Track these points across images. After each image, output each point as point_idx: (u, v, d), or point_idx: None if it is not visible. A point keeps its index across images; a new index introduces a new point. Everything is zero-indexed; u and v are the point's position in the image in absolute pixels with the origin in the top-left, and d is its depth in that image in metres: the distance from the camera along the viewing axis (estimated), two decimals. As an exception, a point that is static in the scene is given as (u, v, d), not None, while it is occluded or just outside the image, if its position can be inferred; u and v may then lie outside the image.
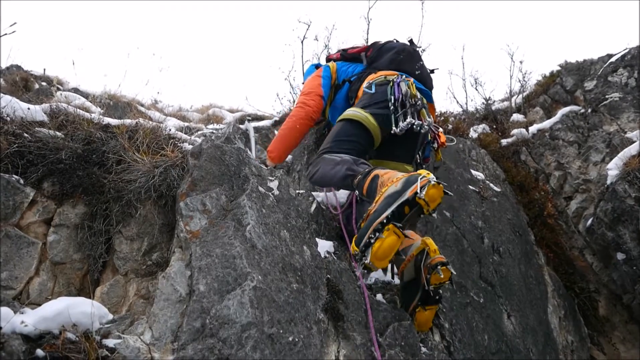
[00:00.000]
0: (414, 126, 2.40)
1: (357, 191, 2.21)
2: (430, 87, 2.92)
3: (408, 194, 1.81)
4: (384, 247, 1.79)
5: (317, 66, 3.30)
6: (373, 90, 2.62)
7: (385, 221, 1.80)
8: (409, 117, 2.40)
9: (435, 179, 1.83)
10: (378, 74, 2.76)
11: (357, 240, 1.87)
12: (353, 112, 2.56)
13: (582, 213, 5.43)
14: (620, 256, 4.44)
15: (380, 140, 2.59)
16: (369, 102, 2.60)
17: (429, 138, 2.73)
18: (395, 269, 2.51)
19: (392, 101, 2.47)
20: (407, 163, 2.71)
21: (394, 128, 2.42)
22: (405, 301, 2.32)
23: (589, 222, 4.97)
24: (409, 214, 1.83)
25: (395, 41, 3.12)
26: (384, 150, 2.68)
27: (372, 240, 1.80)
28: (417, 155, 2.79)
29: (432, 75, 3.04)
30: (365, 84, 2.76)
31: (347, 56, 3.19)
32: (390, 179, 1.95)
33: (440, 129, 2.75)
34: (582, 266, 5.30)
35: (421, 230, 3.27)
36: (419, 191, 1.78)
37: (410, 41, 3.10)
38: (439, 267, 2.10)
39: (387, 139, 2.59)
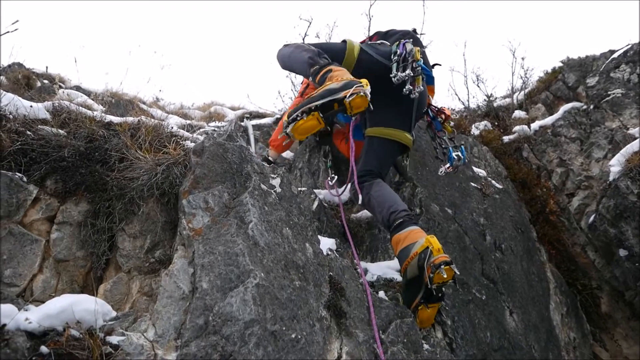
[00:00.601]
0: (407, 85, 2.48)
1: (310, 78, 2.45)
2: (430, 68, 3.03)
3: (341, 94, 2.09)
4: (305, 126, 2.13)
5: None
6: (373, 46, 2.80)
7: (313, 108, 2.12)
8: (408, 69, 2.50)
9: (366, 92, 2.09)
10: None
11: (289, 113, 2.19)
12: (353, 40, 2.75)
13: (585, 210, 5.41)
14: (622, 253, 4.43)
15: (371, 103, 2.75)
16: (365, 45, 2.79)
17: (432, 114, 2.95)
18: (399, 267, 2.52)
19: (397, 54, 2.61)
20: (406, 130, 2.83)
21: (393, 78, 2.52)
22: (407, 299, 2.33)
23: (591, 218, 4.96)
24: (336, 110, 2.14)
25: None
26: (379, 118, 2.79)
27: (298, 118, 2.13)
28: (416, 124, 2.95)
29: (433, 69, 3.13)
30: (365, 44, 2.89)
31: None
32: (338, 76, 2.22)
33: (445, 107, 2.96)
34: (584, 263, 5.30)
35: (423, 228, 3.27)
36: (347, 96, 2.06)
37: (414, 30, 3.21)
38: (442, 266, 2.11)
39: (381, 107, 2.59)
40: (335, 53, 2.64)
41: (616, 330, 4.93)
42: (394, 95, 2.60)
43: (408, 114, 2.82)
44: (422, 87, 2.55)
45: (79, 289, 1.99)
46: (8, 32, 2.24)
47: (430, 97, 3.14)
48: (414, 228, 2.37)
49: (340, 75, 2.23)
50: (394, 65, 2.56)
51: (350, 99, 2.07)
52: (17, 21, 2.27)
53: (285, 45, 2.73)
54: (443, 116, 3.00)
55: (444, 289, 2.29)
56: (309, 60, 2.44)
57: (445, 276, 2.12)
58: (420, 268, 2.21)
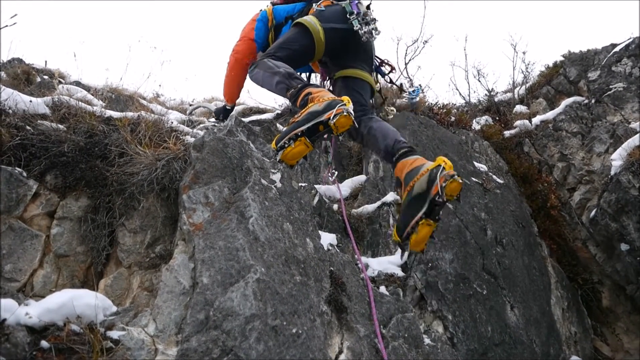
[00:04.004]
0: (373, 33, 2.74)
1: (290, 101, 2.47)
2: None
3: (325, 116, 2.10)
4: (293, 152, 2.13)
5: None
6: (323, 8, 2.87)
7: (300, 134, 2.12)
8: (371, 24, 2.74)
9: (349, 110, 2.11)
10: (325, 1, 2.99)
11: (277, 140, 2.20)
12: (310, 19, 2.79)
13: (586, 204, 5.40)
14: (624, 247, 4.43)
15: (332, 57, 2.93)
16: (321, 17, 2.83)
17: (377, 63, 3.13)
18: (400, 262, 2.52)
19: (355, 14, 2.76)
20: (367, 72, 3.02)
21: (359, 31, 2.71)
22: (407, 218, 2.28)
23: (593, 213, 4.95)
24: (322, 132, 2.15)
25: None
26: (345, 62, 2.96)
27: (286, 145, 2.13)
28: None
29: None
30: (314, 6, 2.96)
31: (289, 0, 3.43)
32: (319, 97, 2.24)
33: (388, 60, 3.21)
34: (585, 257, 5.29)
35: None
36: (331, 117, 2.08)
37: None
38: (455, 176, 2.13)
39: (342, 56, 2.88)
40: (304, 52, 2.77)
41: (617, 325, 4.93)
42: (357, 46, 2.84)
43: (370, 59, 3.05)
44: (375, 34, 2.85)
45: (79, 284, 1.99)
46: (7, 26, 2.22)
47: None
48: (421, 157, 2.41)
49: (321, 95, 2.25)
50: (355, 22, 2.74)
51: (334, 120, 2.08)
52: (16, 15, 2.26)
53: (252, 68, 2.73)
54: (388, 67, 3.19)
55: (441, 213, 2.28)
56: (281, 85, 2.48)
57: (458, 184, 2.12)
58: (430, 182, 2.19)
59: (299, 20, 2.80)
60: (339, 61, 2.93)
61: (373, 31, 2.78)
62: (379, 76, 3.20)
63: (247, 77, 2.91)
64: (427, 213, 2.20)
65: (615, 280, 4.97)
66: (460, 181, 2.09)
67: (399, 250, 3.12)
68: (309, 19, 2.77)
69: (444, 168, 2.15)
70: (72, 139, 2.18)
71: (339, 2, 2.90)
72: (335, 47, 2.73)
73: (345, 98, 2.21)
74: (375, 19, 2.88)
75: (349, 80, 2.95)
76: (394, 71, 3.19)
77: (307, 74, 3.41)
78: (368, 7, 3.10)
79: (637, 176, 4.36)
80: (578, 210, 5.48)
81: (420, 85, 3.37)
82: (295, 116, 2.25)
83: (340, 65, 2.98)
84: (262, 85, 2.70)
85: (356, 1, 2.85)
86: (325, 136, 2.32)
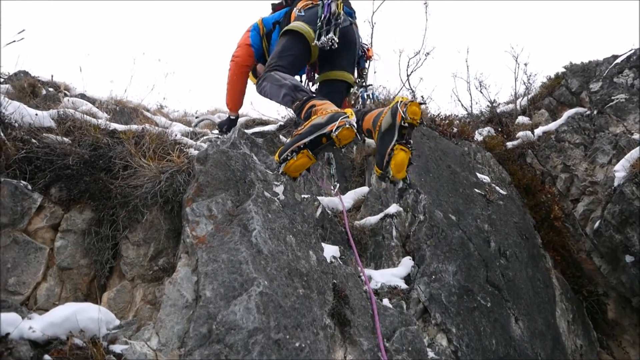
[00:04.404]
0: (332, 42, 2.81)
1: (295, 113, 2.57)
2: (352, 9, 3.30)
3: (327, 128, 2.14)
4: (296, 164, 2.17)
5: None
6: (303, 13, 3.02)
7: (302, 146, 2.16)
8: (330, 33, 2.80)
9: (352, 123, 2.15)
10: (302, 3, 3.13)
11: (280, 152, 2.23)
12: (298, 24, 2.93)
13: (590, 215, 5.38)
14: (628, 259, 4.40)
15: (321, 55, 3.05)
16: (304, 20, 2.97)
17: (361, 53, 3.24)
18: (403, 274, 2.51)
19: (322, 19, 2.86)
20: (348, 71, 3.18)
21: (315, 41, 2.83)
22: (383, 148, 2.35)
23: (597, 224, 4.93)
24: (324, 144, 2.20)
25: None
26: (329, 63, 3.13)
27: (289, 158, 2.17)
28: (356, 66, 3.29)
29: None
30: (295, 11, 3.11)
31: (274, 10, 3.62)
32: (322, 110, 2.29)
33: (369, 47, 3.34)
34: (590, 269, 5.25)
35: (427, 234, 3.26)
36: (334, 130, 2.11)
37: None
38: (416, 100, 2.24)
39: (329, 54, 2.99)
40: (303, 54, 2.94)
41: (623, 337, 4.87)
42: (340, 44, 2.92)
43: (353, 57, 3.20)
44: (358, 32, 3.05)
45: (82, 297, 1.99)
46: (14, 41, 2.26)
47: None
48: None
49: (324, 108, 2.30)
50: (316, 33, 2.85)
51: (336, 132, 2.11)
52: (23, 30, 2.29)
53: (260, 82, 2.85)
54: (366, 56, 3.31)
55: (412, 141, 2.35)
56: (287, 97, 2.57)
57: (418, 110, 2.20)
58: (393, 114, 2.26)
59: (288, 28, 2.95)
60: (326, 59, 3.08)
61: (332, 41, 2.84)
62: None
63: (256, 91, 3.01)
64: (398, 139, 2.28)
65: (620, 292, 4.92)
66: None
67: (402, 262, 3.12)
68: (297, 25, 2.92)
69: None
70: (77, 152, 2.19)
71: (317, 4, 3.02)
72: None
73: (349, 110, 2.25)
74: (351, 13, 3.07)
75: (329, 84, 3.12)
76: (372, 59, 3.34)
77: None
78: (347, 2, 3.26)
79: (640, 187, 4.35)
80: (582, 222, 5.45)
81: (372, 91, 3.50)
82: (298, 129, 2.29)
83: (327, 63, 3.14)
84: (270, 97, 2.82)
85: (329, 1, 2.94)
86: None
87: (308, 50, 2.96)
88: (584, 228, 5.41)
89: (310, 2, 3.11)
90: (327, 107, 2.32)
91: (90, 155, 2.23)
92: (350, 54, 3.17)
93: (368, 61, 3.32)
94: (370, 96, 3.33)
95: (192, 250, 1.76)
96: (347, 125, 2.14)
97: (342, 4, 2.92)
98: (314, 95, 2.61)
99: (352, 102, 3.42)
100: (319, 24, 2.87)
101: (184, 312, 1.59)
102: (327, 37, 2.80)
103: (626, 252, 4.42)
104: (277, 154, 2.29)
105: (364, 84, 3.37)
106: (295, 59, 2.93)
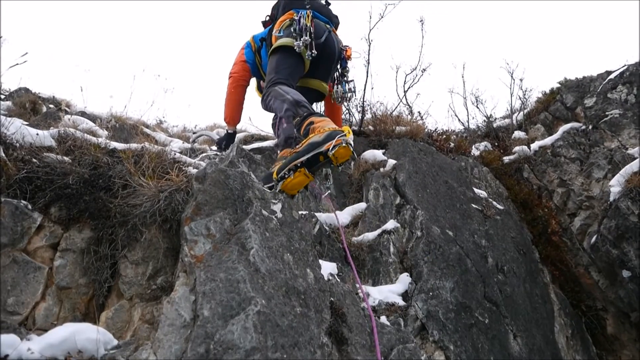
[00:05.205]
0: (297, 47, 3.03)
1: (294, 129, 2.63)
2: (328, 15, 3.51)
3: (324, 147, 2.18)
4: (294, 182, 2.23)
5: None
6: (282, 34, 3.23)
7: (299, 164, 2.20)
8: (304, 36, 3.02)
9: (348, 141, 2.18)
10: (281, 20, 3.34)
11: (278, 170, 2.26)
12: (283, 40, 3.14)
13: (587, 230, 5.40)
14: (625, 274, 4.41)
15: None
16: (286, 34, 3.19)
17: (342, 55, 3.46)
18: (401, 291, 2.52)
19: (297, 31, 3.08)
20: (324, 80, 3.43)
21: (295, 48, 3.03)
22: (291, 159, 2.37)
23: (593, 239, 4.95)
24: (322, 162, 2.23)
25: None
26: (309, 71, 3.32)
27: (286, 176, 2.23)
28: (336, 73, 3.55)
29: (330, 7, 3.65)
30: (275, 32, 3.33)
31: (264, 26, 3.83)
32: (320, 128, 2.32)
33: (348, 47, 3.54)
34: (588, 284, 5.26)
35: (424, 251, 3.28)
36: (331, 148, 2.15)
37: None
38: (351, 145, 2.25)
39: (310, 62, 3.21)
40: (297, 65, 3.12)
41: (623, 353, 4.85)
42: (321, 56, 3.16)
43: (329, 66, 3.40)
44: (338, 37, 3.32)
45: (80, 316, 1.99)
46: (17, 64, 2.30)
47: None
48: (329, 120, 2.63)
49: (322, 126, 2.34)
50: (294, 41, 3.04)
51: (333, 151, 2.15)
52: (27, 53, 2.34)
53: (265, 97, 2.99)
54: (346, 56, 3.51)
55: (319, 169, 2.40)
56: (289, 112, 2.66)
57: (347, 151, 2.22)
58: (327, 138, 2.25)
59: (274, 47, 3.17)
60: (311, 67, 3.28)
61: (310, 53, 3.05)
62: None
63: (261, 107, 3.19)
64: (309, 161, 2.30)
65: (619, 307, 4.92)
66: (352, 150, 2.22)
67: (400, 278, 3.13)
68: (281, 41, 3.15)
69: (345, 134, 2.27)
70: (76, 171, 2.22)
71: (292, 18, 3.24)
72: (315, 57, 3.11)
73: (346, 128, 2.29)
74: (328, 20, 3.32)
75: (305, 92, 3.22)
76: (351, 58, 3.57)
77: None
78: (327, 6, 3.48)
79: (636, 202, 4.38)
80: (579, 236, 5.48)
81: (353, 85, 3.72)
82: (297, 147, 2.33)
83: (310, 72, 3.32)
84: (274, 112, 2.96)
85: (298, 17, 3.16)
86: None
87: (301, 60, 3.14)
88: (581, 242, 5.43)
89: (287, 18, 3.32)
90: (325, 125, 2.36)
91: (90, 174, 2.26)
92: (328, 63, 3.38)
93: (348, 60, 3.54)
94: (352, 89, 3.56)
95: (190, 270, 1.78)
96: (344, 144, 2.18)
97: (310, 16, 3.15)
98: (315, 111, 2.68)
99: (339, 98, 3.61)
100: (294, 35, 3.10)
101: (182, 331, 1.60)
102: (307, 53, 3.03)
103: (623, 267, 4.43)
104: (274, 172, 2.31)
105: (346, 79, 3.57)
106: (292, 70, 3.09)
